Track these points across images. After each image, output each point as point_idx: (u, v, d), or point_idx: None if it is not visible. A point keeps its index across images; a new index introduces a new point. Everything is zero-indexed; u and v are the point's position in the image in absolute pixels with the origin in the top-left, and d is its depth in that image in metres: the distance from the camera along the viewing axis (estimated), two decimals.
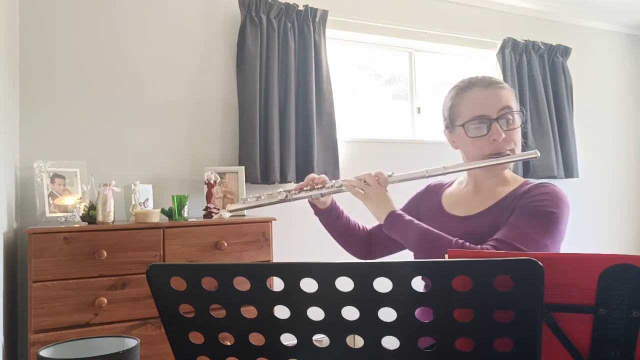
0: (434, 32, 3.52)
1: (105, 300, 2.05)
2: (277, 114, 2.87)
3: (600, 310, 0.70)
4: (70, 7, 2.57)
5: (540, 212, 1.24)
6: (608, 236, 4.12)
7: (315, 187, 1.43)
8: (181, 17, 2.81)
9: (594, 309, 0.71)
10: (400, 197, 1.51)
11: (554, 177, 3.69)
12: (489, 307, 0.64)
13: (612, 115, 4.26)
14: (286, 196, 1.43)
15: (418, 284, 0.66)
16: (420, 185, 1.58)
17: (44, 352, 1.17)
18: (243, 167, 2.73)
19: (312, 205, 1.52)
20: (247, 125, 2.80)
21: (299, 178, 2.92)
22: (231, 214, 2.52)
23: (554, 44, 3.84)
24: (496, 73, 3.69)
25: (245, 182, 2.72)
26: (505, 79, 3.60)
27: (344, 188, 1.40)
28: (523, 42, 3.72)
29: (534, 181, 1.37)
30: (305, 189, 1.44)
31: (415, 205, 1.55)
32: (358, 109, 3.44)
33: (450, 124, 1.41)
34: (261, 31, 2.87)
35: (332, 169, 3.01)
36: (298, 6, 2.96)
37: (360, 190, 1.38)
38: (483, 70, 3.80)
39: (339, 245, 1.61)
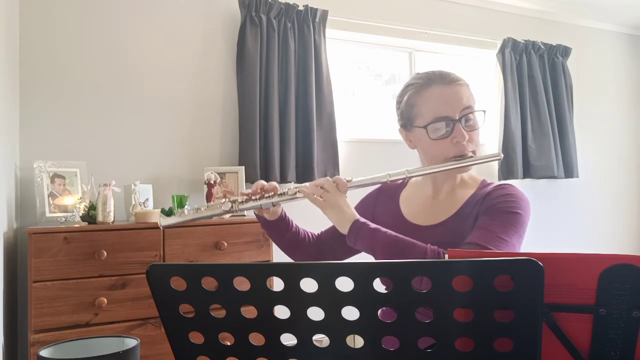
0: (434, 32, 3.52)
1: (105, 300, 2.05)
2: (277, 114, 2.87)
3: (600, 310, 0.70)
4: (71, 7, 2.57)
5: (506, 212, 1.22)
6: (608, 236, 4.12)
7: (265, 195, 1.29)
8: (181, 17, 2.81)
9: (594, 308, 0.71)
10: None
11: (554, 177, 3.69)
12: (489, 307, 0.64)
13: (612, 115, 4.26)
14: (231, 207, 1.27)
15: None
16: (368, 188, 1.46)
17: (44, 352, 1.17)
18: (243, 167, 2.73)
19: (259, 217, 1.37)
20: (247, 125, 2.80)
21: (299, 178, 2.92)
22: (230, 213, 2.53)
23: (554, 44, 3.84)
24: (496, 73, 3.69)
25: (245, 182, 2.72)
26: (505, 79, 3.60)
27: (299, 195, 1.27)
28: (523, 42, 3.72)
29: (491, 182, 1.35)
30: (253, 198, 1.29)
31: (370, 209, 1.46)
32: (358, 109, 3.44)
33: (409, 123, 1.35)
34: (261, 31, 2.87)
35: (332, 169, 3.01)
36: (298, 6, 2.96)
37: (319, 198, 1.25)
38: (483, 70, 3.80)
39: None
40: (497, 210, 1.23)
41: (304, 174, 2.93)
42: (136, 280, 2.12)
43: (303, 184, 1.29)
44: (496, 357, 0.65)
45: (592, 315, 0.71)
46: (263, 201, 1.28)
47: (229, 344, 0.73)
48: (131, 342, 1.20)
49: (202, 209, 1.30)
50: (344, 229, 1.24)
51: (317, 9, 3.00)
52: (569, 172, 3.79)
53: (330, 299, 0.67)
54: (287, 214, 1.41)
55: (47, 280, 1.99)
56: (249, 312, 0.70)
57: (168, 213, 2.36)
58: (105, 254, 2.06)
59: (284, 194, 1.27)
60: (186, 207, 1.27)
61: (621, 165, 4.27)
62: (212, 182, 2.52)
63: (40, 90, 2.50)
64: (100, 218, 2.14)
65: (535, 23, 3.91)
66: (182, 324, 0.73)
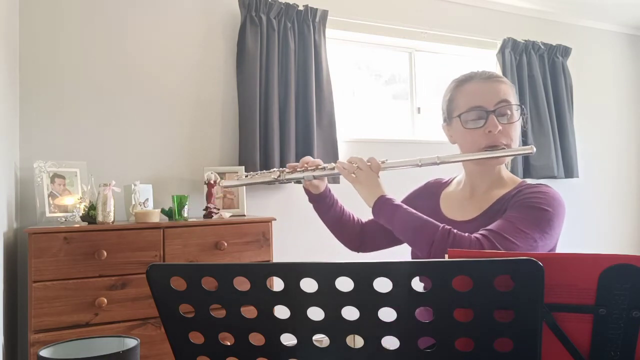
0: (434, 32, 3.52)
1: (105, 300, 2.05)
2: (277, 114, 2.87)
3: (600, 310, 0.70)
4: (71, 7, 2.57)
5: (532, 207, 1.23)
6: (608, 236, 4.12)
7: (308, 168, 1.42)
8: (181, 17, 2.81)
9: (594, 308, 0.71)
10: (394, 189, 1.49)
11: (554, 177, 3.69)
12: (489, 307, 0.64)
13: (612, 115, 4.26)
14: (279, 175, 1.43)
15: (418, 284, 0.66)
16: (417, 180, 1.58)
17: (44, 352, 1.17)
18: (243, 167, 2.73)
19: (307, 191, 1.51)
20: (247, 125, 2.80)
21: None
22: (230, 213, 2.53)
23: (554, 44, 3.84)
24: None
25: None
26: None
27: (336, 170, 1.39)
28: (523, 42, 3.72)
29: (531, 182, 1.37)
30: (298, 169, 1.43)
31: (413, 202, 1.51)
32: (358, 109, 3.44)
33: (448, 116, 1.40)
34: (261, 31, 2.87)
35: None
36: (298, 6, 2.96)
37: (352, 174, 1.36)
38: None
39: (339, 246, 1.61)
40: (523, 204, 1.25)
41: None
42: (136, 280, 2.12)
43: (341, 161, 1.40)
44: (496, 357, 0.65)
45: (592, 315, 0.71)
46: (306, 173, 1.42)
47: (229, 344, 0.73)
48: (131, 342, 1.20)
49: (257, 175, 1.47)
50: (370, 203, 1.33)
51: (317, 9, 3.00)
52: (569, 172, 3.79)
53: (330, 299, 0.67)
54: (333, 193, 1.54)
55: (47, 280, 1.99)
56: (249, 312, 0.70)
57: (168, 213, 2.36)
58: (105, 254, 2.06)
59: (324, 168, 1.41)
60: (243, 173, 1.51)
61: (621, 165, 4.27)
62: (212, 182, 2.52)
63: (41, 90, 2.50)
64: (100, 218, 2.14)
65: (535, 23, 3.91)
66: (182, 324, 0.73)
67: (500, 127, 1.28)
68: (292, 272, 0.67)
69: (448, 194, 1.48)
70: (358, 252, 1.61)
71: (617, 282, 0.69)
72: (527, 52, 3.73)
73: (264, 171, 1.48)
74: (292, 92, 2.91)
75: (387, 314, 0.66)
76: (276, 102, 2.87)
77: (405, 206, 1.30)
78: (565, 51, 3.89)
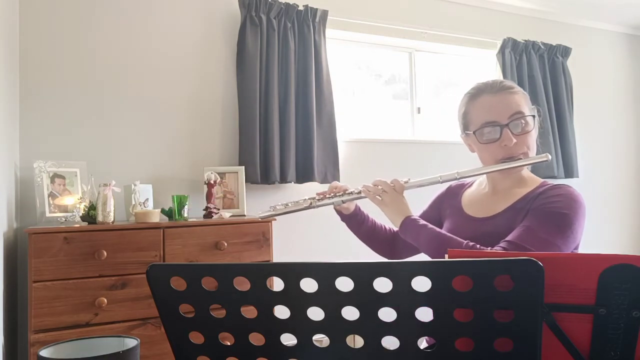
0: (434, 32, 3.52)
1: (105, 300, 2.05)
2: (277, 114, 2.87)
3: (600, 310, 0.70)
4: (70, 7, 2.57)
5: (552, 213, 1.26)
6: (608, 236, 4.12)
7: (337, 194, 1.52)
8: (181, 17, 2.81)
9: (594, 308, 0.71)
10: (417, 199, 1.62)
11: (554, 177, 3.69)
12: (489, 307, 0.64)
13: (612, 115, 4.26)
14: (310, 204, 1.54)
15: (418, 284, 0.66)
16: (439, 188, 1.63)
17: (44, 352, 1.16)
18: (243, 167, 2.73)
19: (338, 212, 1.62)
20: (247, 125, 2.80)
21: (299, 178, 2.92)
22: (230, 213, 2.53)
23: (554, 44, 3.84)
24: (496, 73, 3.69)
25: (245, 182, 2.72)
26: (505, 79, 3.60)
27: (362, 195, 1.49)
28: (523, 42, 3.72)
29: (552, 182, 1.39)
30: (327, 196, 1.54)
31: (437, 206, 1.61)
32: (358, 109, 3.44)
33: (464, 129, 1.46)
34: (261, 31, 2.87)
35: (332, 169, 3.01)
36: (298, 6, 2.96)
37: (378, 197, 1.45)
38: (483, 70, 3.80)
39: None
40: (543, 209, 1.28)
41: (304, 174, 2.93)
42: (136, 280, 2.12)
43: (366, 185, 1.49)
44: (496, 357, 0.65)
45: (592, 315, 0.71)
46: (334, 199, 1.53)
47: (229, 344, 0.73)
48: (131, 342, 1.20)
49: (290, 204, 1.57)
50: (397, 224, 1.42)
51: (317, 9, 3.00)
52: (569, 172, 3.79)
53: (330, 299, 0.67)
54: (363, 210, 1.64)
55: (47, 280, 1.99)
56: (249, 312, 0.70)
57: (168, 213, 2.36)
58: (105, 254, 2.06)
59: (351, 193, 1.52)
60: (277, 203, 1.59)
61: (621, 165, 4.27)
62: (212, 182, 2.52)
63: (40, 90, 2.50)
64: (100, 218, 2.14)
65: (535, 23, 3.91)
66: (182, 324, 0.73)
67: (515, 140, 1.33)
68: (292, 272, 0.67)
69: (470, 193, 1.54)
70: (392, 259, 1.67)
71: (617, 282, 0.69)
72: (527, 52, 3.73)
73: (296, 200, 1.57)
74: (292, 92, 2.91)
75: (387, 314, 0.66)
76: (276, 102, 2.87)
77: (429, 225, 1.37)
78: (565, 51, 3.89)
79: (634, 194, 4.31)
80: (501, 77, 3.63)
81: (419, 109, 3.57)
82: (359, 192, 1.49)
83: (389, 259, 1.67)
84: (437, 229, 1.36)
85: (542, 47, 3.78)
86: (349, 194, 1.52)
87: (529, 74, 3.72)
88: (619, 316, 0.70)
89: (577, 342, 0.72)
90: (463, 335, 0.65)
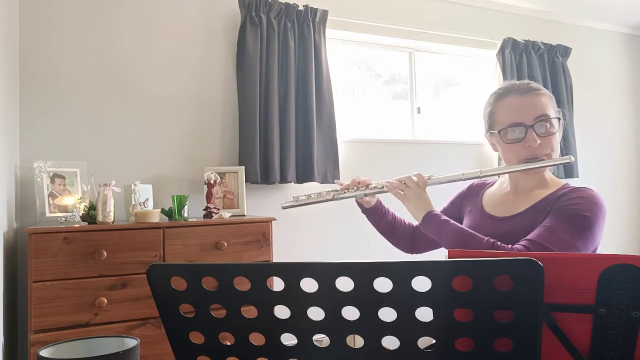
0: (434, 32, 3.52)
1: (105, 300, 2.05)
2: (277, 114, 2.87)
3: (600, 310, 0.70)
4: (70, 7, 2.57)
5: (573, 215, 1.27)
6: (608, 236, 4.10)
7: (360, 188, 1.55)
8: (181, 17, 2.81)
9: (594, 309, 0.71)
10: (439, 195, 1.63)
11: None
12: (489, 307, 0.64)
13: (612, 115, 4.26)
14: (333, 196, 1.55)
15: (418, 283, 0.66)
16: (459, 187, 1.63)
17: (44, 352, 1.17)
18: (243, 167, 2.73)
19: (359, 204, 1.64)
20: (247, 125, 2.80)
21: (299, 178, 2.92)
22: (230, 213, 2.53)
23: (554, 44, 3.84)
24: (496, 73, 3.69)
25: (245, 182, 2.72)
26: (505, 79, 3.60)
27: (385, 189, 1.50)
28: (523, 42, 3.72)
29: (574, 184, 1.40)
30: (350, 189, 1.56)
31: (458, 204, 1.62)
32: (358, 109, 3.44)
33: (489, 128, 1.46)
34: (261, 31, 2.87)
35: (332, 169, 3.01)
36: (298, 6, 2.96)
37: (400, 192, 1.46)
38: (483, 70, 3.80)
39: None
40: (564, 211, 1.29)
41: (304, 174, 2.93)
42: (136, 280, 2.12)
43: (391, 180, 1.50)
44: (496, 357, 0.65)
45: (592, 315, 0.71)
46: (357, 192, 1.54)
47: (229, 344, 0.73)
48: (131, 342, 1.20)
49: (313, 195, 1.57)
50: (419, 219, 1.43)
51: (317, 9, 3.00)
52: (569, 172, 3.79)
53: (330, 299, 0.67)
54: (385, 204, 1.67)
55: (47, 280, 1.99)
56: (249, 312, 0.70)
57: (168, 213, 2.36)
58: (105, 254, 2.06)
59: (374, 187, 1.53)
60: (300, 194, 1.59)
61: (621, 165, 4.27)
62: (212, 182, 2.52)
63: (40, 90, 2.50)
64: (100, 218, 2.14)
65: (535, 23, 3.91)
66: (182, 324, 0.73)
67: (539, 141, 1.34)
68: (292, 272, 0.67)
69: (491, 192, 1.55)
70: (412, 254, 1.69)
71: (617, 282, 0.69)
72: (527, 52, 3.73)
73: (319, 192, 1.59)
74: (292, 92, 2.91)
75: (387, 314, 0.66)
76: (276, 102, 2.87)
77: (452, 221, 1.38)
78: (565, 51, 3.89)
79: (634, 194, 4.31)
80: (501, 77, 3.63)
81: (419, 109, 3.57)
82: (382, 187, 1.51)
83: (408, 253, 1.69)
84: (459, 225, 1.37)
85: (542, 47, 3.78)
86: (372, 188, 1.54)
87: (529, 74, 3.72)
88: (618, 316, 0.70)
89: (577, 342, 0.72)
90: (463, 335, 0.65)
